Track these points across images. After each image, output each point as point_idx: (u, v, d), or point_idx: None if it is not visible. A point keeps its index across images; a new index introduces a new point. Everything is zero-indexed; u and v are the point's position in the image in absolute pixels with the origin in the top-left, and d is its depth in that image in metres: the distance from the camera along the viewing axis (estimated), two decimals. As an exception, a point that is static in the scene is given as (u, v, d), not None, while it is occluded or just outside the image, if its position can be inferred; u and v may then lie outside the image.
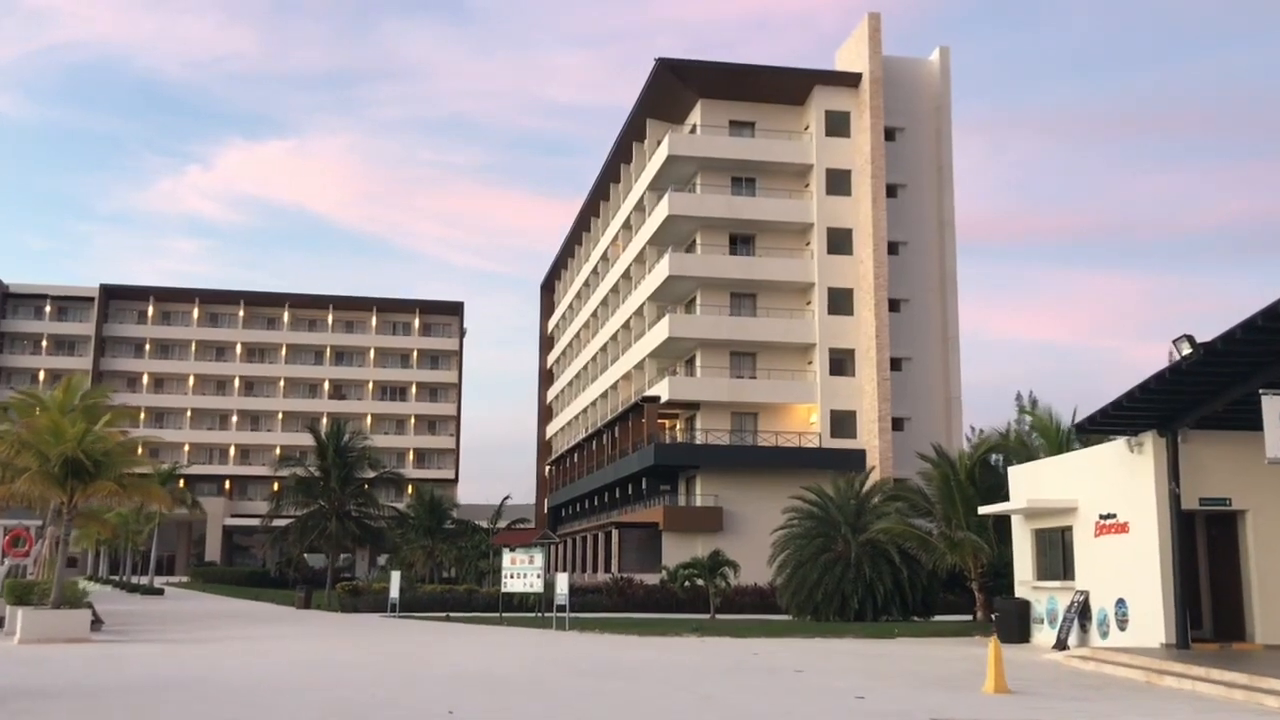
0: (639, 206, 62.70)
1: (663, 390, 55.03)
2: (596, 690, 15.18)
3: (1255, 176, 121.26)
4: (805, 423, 54.85)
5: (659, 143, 58.07)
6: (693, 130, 57.95)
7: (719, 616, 35.46)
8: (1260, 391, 15.05)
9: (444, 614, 37.00)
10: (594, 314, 74.06)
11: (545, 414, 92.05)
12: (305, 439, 55.54)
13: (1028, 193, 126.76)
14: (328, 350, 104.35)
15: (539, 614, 33.53)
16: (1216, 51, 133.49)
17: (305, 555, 60.72)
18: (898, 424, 53.81)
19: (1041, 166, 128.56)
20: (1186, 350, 15.75)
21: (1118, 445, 21.14)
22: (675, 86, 57.55)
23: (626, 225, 65.81)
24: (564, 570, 55.06)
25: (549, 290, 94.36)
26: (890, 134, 56.61)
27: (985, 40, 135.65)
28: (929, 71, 58.71)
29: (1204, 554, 20.88)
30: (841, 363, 55.18)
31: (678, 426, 57.47)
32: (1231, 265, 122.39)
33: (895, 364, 54.59)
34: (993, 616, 28.70)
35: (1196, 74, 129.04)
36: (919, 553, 30.97)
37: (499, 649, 23.34)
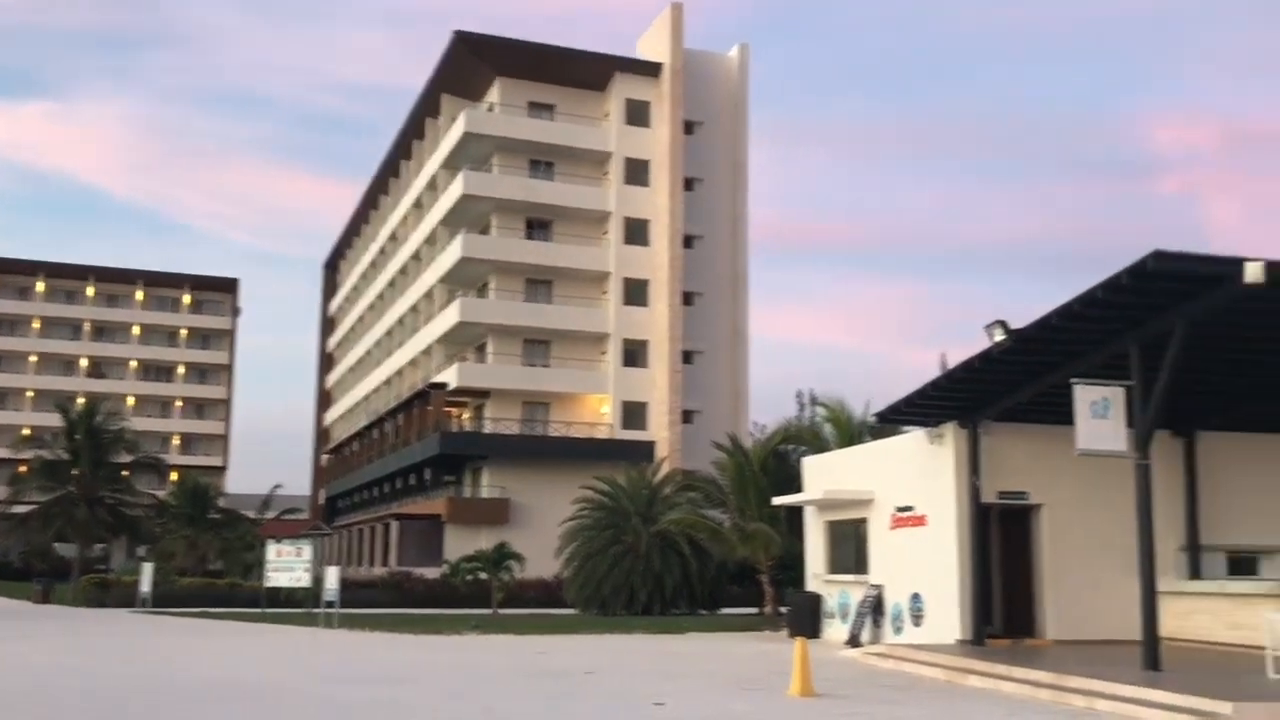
0: (431, 185, 60.28)
1: (451, 377, 52.93)
2: (358, 701, 13.34)
3: (1023, 196, 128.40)
4: (597, 413, 53.83)
5: (454, 119, 55.86)
6: (490, 109, 55.99)
7: (502, 612, 33.84)
8: (1071, 381, 14.60)
9: (199, 610, 33.95)
10: (380, 296, 70.98)
11: (324, 400, 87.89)
12: (57, 419, 50.73)
13: (815, 199, 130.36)
14: (86, 325, 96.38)
15: (307, 610, 31.06)
16: (993, 77, 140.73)
17: (56, 545, 55.52)
18: (688, 417, 53.51)
19: (829, 174, 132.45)
20: (1000, 336, 15.18)
21: (917, 436, 20.72)
22: (473, 63, 55.45)
23: (418, 204, 63.22)
24: (339, 564, 52.14)
25: (333, 270, 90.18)
26: (689, 127, 56.27)
27: (782, 47, 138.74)
28: (728, 67, 58.67)
29: (997, 548, 20.68)
30: (635, 354, 54.47)
31: (465, 415, 55.47)
32: (999, 278, 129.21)
33: (687, 357, 54.28)
34: (781, 610, 28.23)
35: (975, 97, 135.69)
36: (710, 544, 30.25)
37: (254, 651, 21.03)
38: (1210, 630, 17.81)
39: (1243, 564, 20.12)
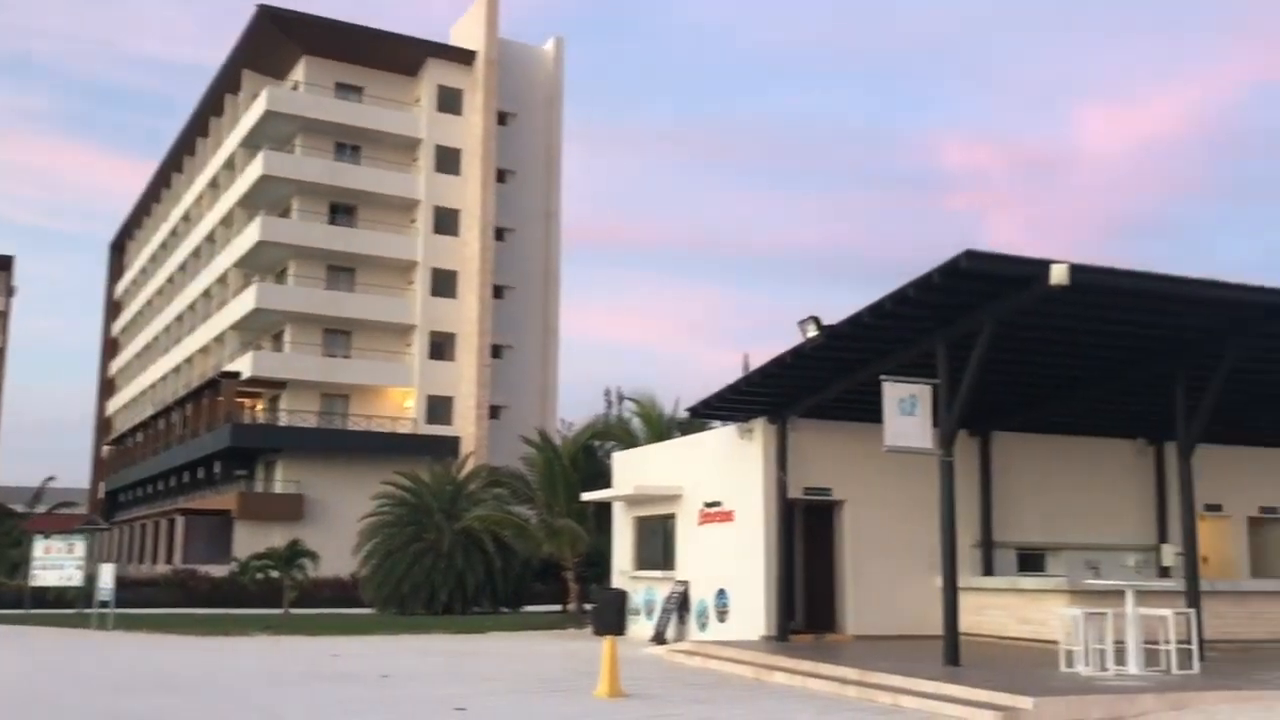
0: (229, 164, 57.44)
1: (245, 366, 50.44)
2: (125, 712, 12.15)
3: (822, 206, 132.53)
4: (400, 407, 52.32)
5: (256, 97, 53.28)
6: (295, 88, 53.69)
7: (295, 612, 32.28)
8: (881, 378, 14.69)
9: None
10: (171, 279, 67.22)
11: (107, 388, 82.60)
12: None
13: (626, 199, 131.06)
14: None
15: (79, 611, 28.81)
16: (795, 90, 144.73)
17: None
18: (495, 412, 52.65)
19: (639, 175, 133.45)
20: (812, 332, 15.14)
21: (727, 432, 20.65)
22: (278, 39, 53.05)
23: (214, 184, 60.12)
24: (118, 561, 48.89)
25: (120, 251, 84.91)
26: (503, 118, 55.44)
27: (596, 46, 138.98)
28: (544, 60, 58.08)
29: (801, 544, 20.82)
30: (441, 346, 53.24)
31: (260, 406, 53.00)
32: (798, 285, 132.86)
33: (496, 351, 53.40)
34: (586, 607, 27.87)
35: (778, 108, 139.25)
36: (516, 541, 29.60)
37: (13, 657, 19.20)
38: (1003, 625, 18.33)
39: (1031, 560, 20.87)
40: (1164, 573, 21.03)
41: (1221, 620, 17.35)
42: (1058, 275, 12.67)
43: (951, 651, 14.10)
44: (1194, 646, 13.72)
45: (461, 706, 11.83)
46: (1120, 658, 13.54)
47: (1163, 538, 21.55)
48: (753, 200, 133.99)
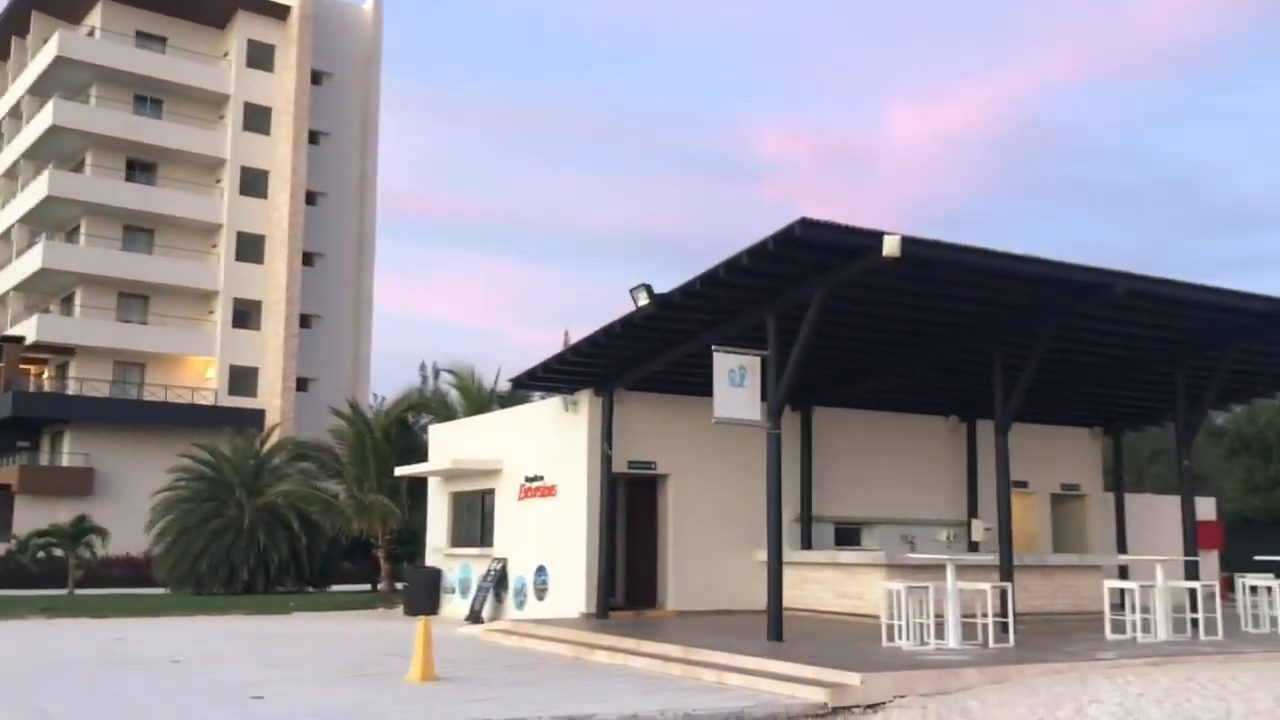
0: (15, 113, 53.23)
1: (29, 330, 46.83)
2: None
3: (641, 189, 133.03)
4: (201, 377, 49.60)
5: (46, 41, 49.35)
6: (91, 33, 49.96)
7: (80, 592, 30.07)
8: (712, 348, 14.32)
9: None
10: (-54, 234, 61.86)
11: None
12: None
13: (444, 172, 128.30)
14: None
15: None
16: (616, 72, 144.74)
17: None
18: (303, 385, 50.55)
19: (459, 148, 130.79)
20: (643, 301, 14.66)
21: (550, 404, 20.04)
22: (71, -22, 49.29)
23: (-3, 133, 55.58)
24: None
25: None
26: (317, 78, 53.12)
27: (416, 11, 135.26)
28: (362, 20, 55.95)
29: (623, 519, 20.43)
30: (246, 315, 50.69)
31: (46, 374, 49.37)
32: (616, 265, 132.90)
33: (305, 321, 51.25)
34: (398, 586, 26.86)
35: (600, 89, 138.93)
36: (323, 518, 28.27)
37: None
38: (820, 599, 18.37)
39: (848, 535, 21.04)
40: (973, 547, 21.58)
41: (1028, 594, 17.79)
42: (890, 246, 12.53)
43: (775, 627, 13.90)
44: (1010, 620, 13.90)
45: (259, 695, 10.86)
46: (940, 632, 13.60)
47: (973, 513, 22.09)
48: (572, 178, 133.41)
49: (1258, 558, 19.24)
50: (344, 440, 29.03)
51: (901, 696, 10.94)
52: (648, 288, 14.53)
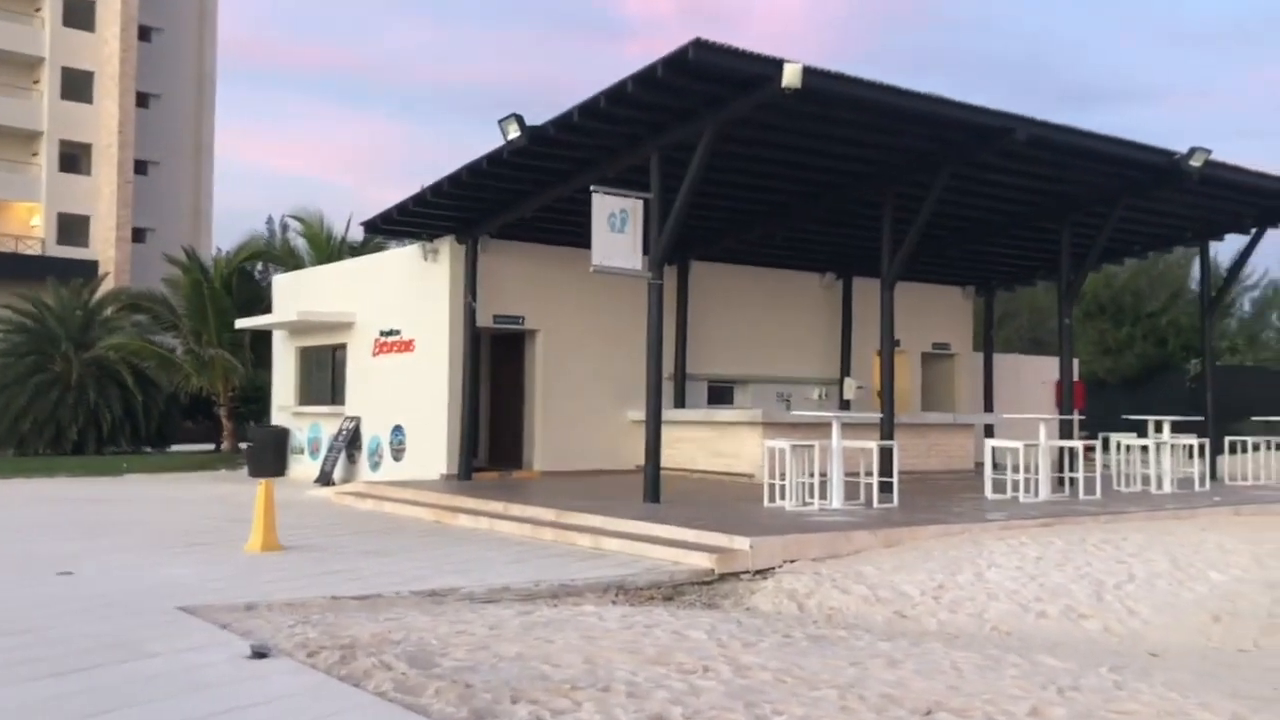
0: None
1: None
2: None
3: (502, 44, 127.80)
4: (26, 225, 45.75)
5: None
6: None
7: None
8: (592, 188, 12.98)
9: None
10: None
11: None
12: None
13: (289, 16, 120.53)
14: None
15: None
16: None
17: None
18: (139, 235, 47.18)
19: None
20: (514, 133, 13.17)
21: (409, 252, 18.50)
22: None
23: None
24: None
25: None
26: (150, -101, 48.26)
27: None
28: None
29: (487, 376, 19.25)
30: (75, 159, 46.74)
31: None
32: (473, 122, 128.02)
33: (140, 167, 47.57)
34: (242, 447, 25.29)
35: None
36: (159, 374, 26.28)
37: None
38: (694, 459, 17.64)
39: (720, 393, 20.32)
40: (845, 405, 21.13)
41: (903, 453, 17.25)
42: (790, 76, 11.35)
43: (653, 488, 13.02)
44: (894, 479, 13.33)
45: (67, 570, 9.44)
46: (823, 491, 12.94)
47: (846, 371, 21.61)
48: (429, 30, 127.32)
49: (1125, 417, 19.24)
50: (180, 291, 26.83)
51: (792, 561, 10.20)
52: (518, 118, 13.04)
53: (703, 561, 9.92)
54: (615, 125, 13.17)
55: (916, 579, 9.54)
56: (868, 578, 9.62)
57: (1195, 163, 15.28)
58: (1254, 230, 19.20)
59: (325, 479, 19.38)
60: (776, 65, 11.38)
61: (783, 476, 12.94)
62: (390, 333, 18.81)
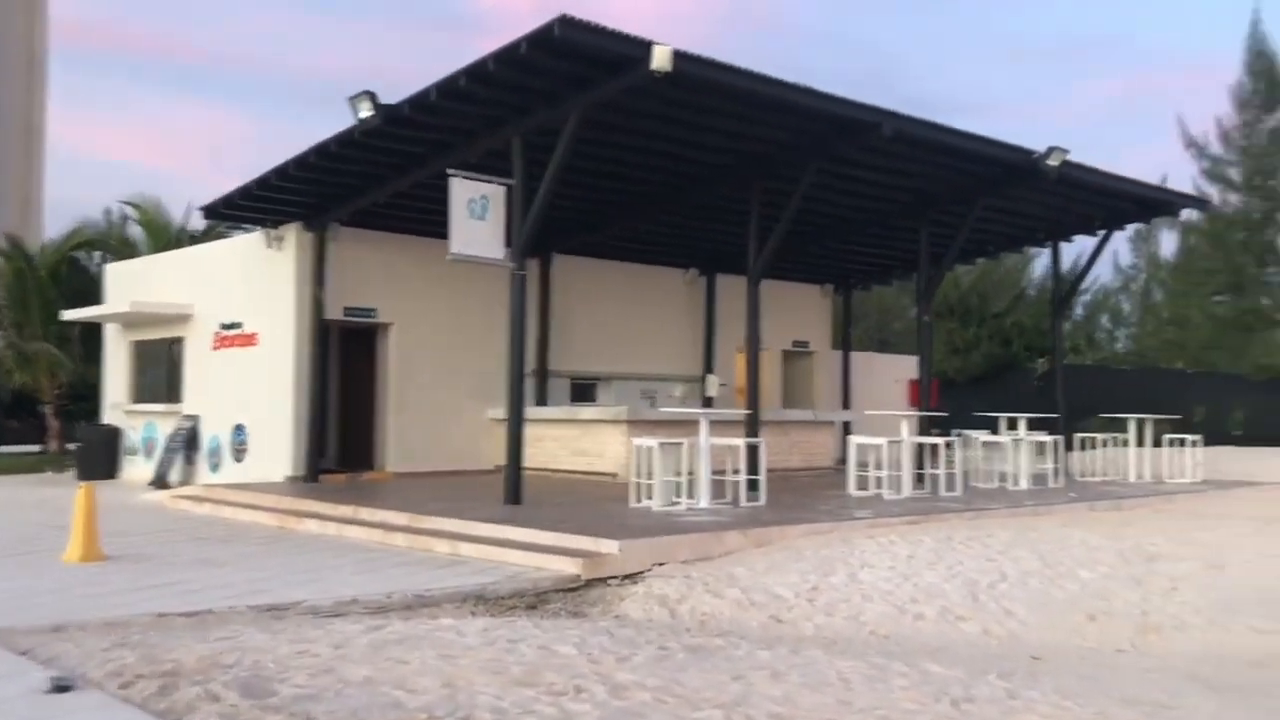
0: None
1: None
2: None
3: (357, 36, 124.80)
4: None
5: None
6: None
7: None
8: (448, 172, 12.26)
9: None
10: None
11: None
12: None
13: (139, 2, 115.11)
14: None
15: None
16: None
17: None
18: (-37, 221, 44.05)
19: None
20: (366, 113, 12.37)
21: (252, 240, 17.41)
22: None
23: None
24: None
25: None
26: None
27: None
28: None
29: (337, 372, 18.30)
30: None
31: None
32: (325, 115, 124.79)
33: (-40, 149, 44.47)
34: (71, 447, 23.60)
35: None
36: (-24, 370, 24.36)
37: None
38: (556, 457, 17.09)
39: (584, 390, 19.80)
40: (708, 403, 20.89)
41: (767, 451, 17.16)
42: (660, 58, 10.90)
43: (514, 489, 12.41)
44: (762, 478, 13.03)
45: None
46: (690, 491, 12.55)
47: (708, 368, 21.35)
48: (284, 19, 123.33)
49: (978, 414, 19.46)
50: (1, 280, 24.90)
51: (661, 564, 9.73)
52: (371, 96, 12.25)
53: (568, 567, 9.37)
54: (476, 106, 12.50)
55: (790, 580, 9.19)
56: (740, 580, 9.23)
57: (1053, 162, 15.45)
58: (1102, 232, 19.65)
59: (160, 482, 18.13)
60: (646, 47, 10.91)
61: (649, 475, 12.50)
62: (231, 326, 17.68)
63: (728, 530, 10.59)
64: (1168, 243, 38.89)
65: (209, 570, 9.48)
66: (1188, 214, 30.97)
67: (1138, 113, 68.45)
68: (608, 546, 9.58)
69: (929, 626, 8.33)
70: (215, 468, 17.87)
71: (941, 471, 14.86)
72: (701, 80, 11.70)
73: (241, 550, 10.84)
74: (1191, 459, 17.94)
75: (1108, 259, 43.08)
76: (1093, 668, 7.22)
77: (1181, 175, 43.49)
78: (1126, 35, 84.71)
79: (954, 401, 28.80)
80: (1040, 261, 36.89)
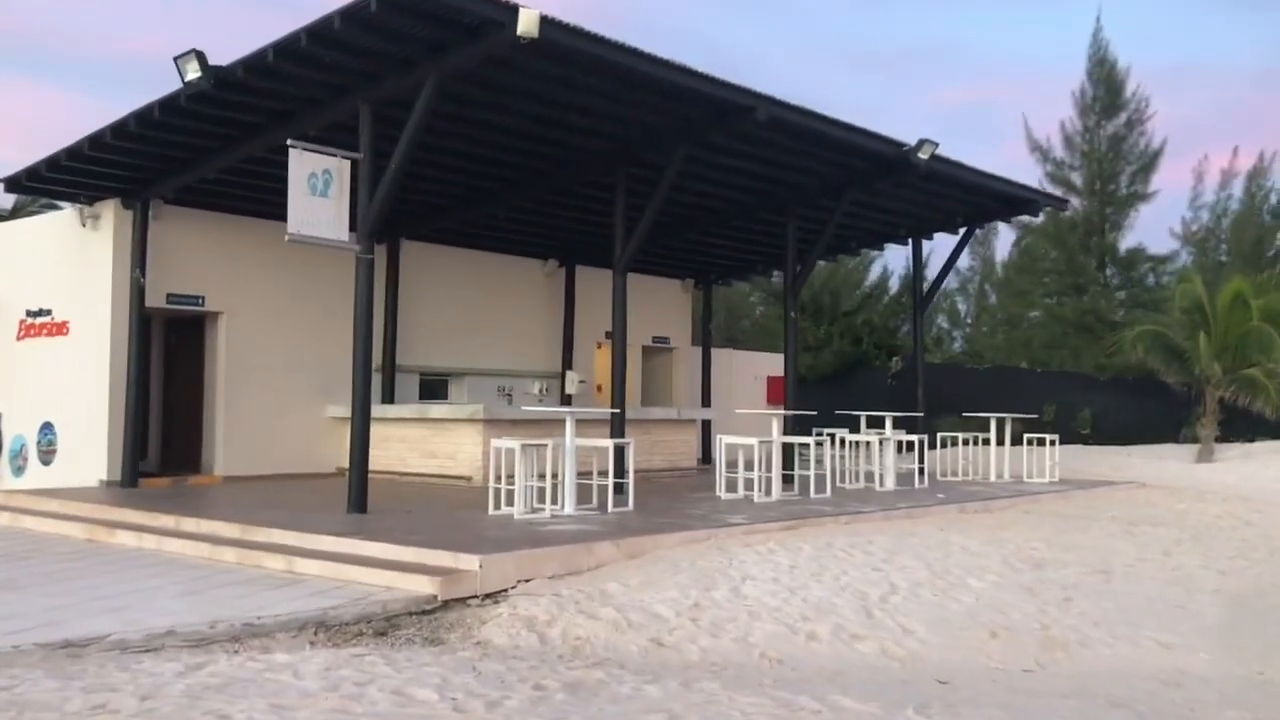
0: None
1: None
2: None
3: (186, 10, 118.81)
4: None
5: None
6: None
7: None
8: (288, 143, 10.98)
9: None
10: None
11: None
12: None
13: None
14: None
15: None
16: None
17: None
18: None
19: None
20: (194, 75, 11.00)
21: (63, 218, 15.71)
22: None
23: None
24: None
25: None
26: None
27: None
28: None
29: (159, 366, 16.71)
30: None
31: None
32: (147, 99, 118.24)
33: None
34: None
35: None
36: None
37: None
38: (404, 460, 15.93)
39: (434, 387, 18.64)
40: (567, 400, 20.01)
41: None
42: (526, 23, 9.93)
43: (359, 497, 11.25)
44: (630, 480, 12.20)
45: None
46: (555, 496, 11.63)
47: (568, 364, 20.44)
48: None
49: (838, 412, 19.11)
50: None
51: (526, 580, 8.79)
52: (199, 55, 10.89)
53: (423, 586, 8.33)
54: (319, 71, 11.28)
55: (668, 597, 8.37)
56: (614, 597, 8.36)
57: (923, 155, 15.09)
58: (963, 229, 19.53)
59: (-46, 486, 16.22)
60: (511, 10, 9.93)
61: (509, 479, 11.52)
62: (39, 313, 15.91)
63: (598, 541, 9.70)
64: (1001, 246, 39.79)
65: (-4, 595, 8.10)
66: (1025, 216, 31.56)
67: (977, 121, 70.34)
68: (467, 562, 8.57)
69: (824, 648, 7.61)
70: (19, 471, 16.06)
71: (811, 472, 14.31)
72: (571, 52, 10.79)
73: (40, 569, 9.41)
74: (1050, 458, 17.92)
75: (941, 261, 43.96)
76: (1008, 694, 6.60)
77: (1025, 179, 44.68)
78: (964, 44, 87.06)
79: (806, 400, 28.67)
80: (879, 263, 37.28)
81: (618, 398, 14.00)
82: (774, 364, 24.96)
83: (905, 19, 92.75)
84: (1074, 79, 42.48)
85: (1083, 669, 7.42)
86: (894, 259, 59.61)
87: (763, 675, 6.84)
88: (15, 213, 21.85)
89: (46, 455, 15.69)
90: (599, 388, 21.48)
